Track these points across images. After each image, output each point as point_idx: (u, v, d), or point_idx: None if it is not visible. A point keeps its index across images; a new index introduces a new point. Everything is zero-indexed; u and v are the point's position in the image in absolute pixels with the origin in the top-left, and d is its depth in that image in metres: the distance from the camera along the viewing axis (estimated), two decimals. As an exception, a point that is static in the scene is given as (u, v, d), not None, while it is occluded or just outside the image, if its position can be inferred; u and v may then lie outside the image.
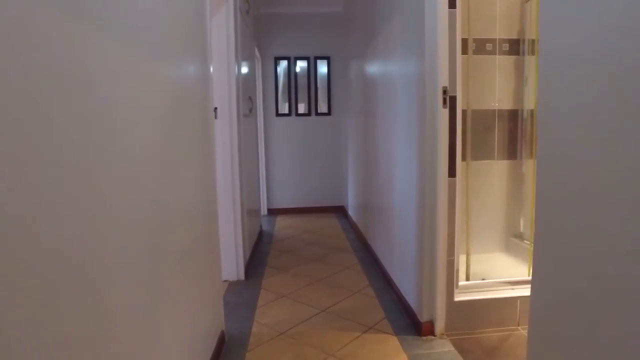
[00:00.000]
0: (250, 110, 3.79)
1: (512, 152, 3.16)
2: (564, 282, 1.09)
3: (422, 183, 2.19)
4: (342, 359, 2.01)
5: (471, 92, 2.86)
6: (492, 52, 3.09)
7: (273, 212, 5.45)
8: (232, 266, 3.09)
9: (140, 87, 1.16)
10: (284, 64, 5.33)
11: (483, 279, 2.39)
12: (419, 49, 2.19)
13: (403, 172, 2.56)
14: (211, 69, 2.13)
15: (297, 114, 5.38)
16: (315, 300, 2.71)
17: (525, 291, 2.26)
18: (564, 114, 1.09)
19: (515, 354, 2.00)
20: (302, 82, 5.36)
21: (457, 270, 2.21)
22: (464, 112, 2.23)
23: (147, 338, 1.15)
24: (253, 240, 3.81)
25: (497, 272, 2.71)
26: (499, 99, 3.11)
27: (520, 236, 3.17)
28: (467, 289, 2.24)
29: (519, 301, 2.23)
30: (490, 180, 3.15)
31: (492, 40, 3.08)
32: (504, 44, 3.10)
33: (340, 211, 5.48)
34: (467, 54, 2.70)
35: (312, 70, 5.34)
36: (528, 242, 3.05)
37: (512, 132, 3.15)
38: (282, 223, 4.99)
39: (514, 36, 3.10)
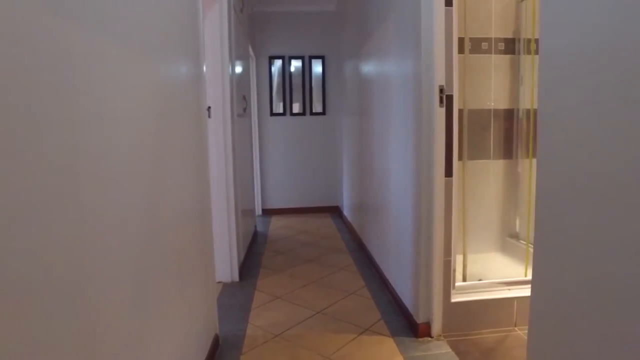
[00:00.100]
0: (245, 109, 3.75)
1: (507, 151, 3.15)
2: (565, 282, 1.08)
3: (419, 183, 2.16)
4: (338, 362, 1.99)
5: (467, 92, 2.85)
6: (488, 52, 3.08)
7: (268, 212, 5.42)
8: (226, 267, 3.05)
9: (130, 84, 1.12)
10: (278, 63, 5.29)
11: (480, 280, 2.38)
12: (415, 47, 2.16)
13: (399, 171, 2.54)
14: (204, 68, 2.09)
15: (292, 114, 5.35)
16: (311, 302, 2.68)
17: (522, 292, 2.24)
18: (565, 112, 1.07)
19: (512, 356, 1.98)
20: (297, 82, 5.32)
21: (454, 271, 2.19)
22: (460, 111, 2.21)
23: (137, 342, 1.12)
24: (247, 241, 3.77)
25: (493, 272, 2.70)
26: (495, 98, 3.10)
27: (516, 236, 3.16)
28: (463, 290, 2.22)
29: (515, 302, 2.22)
30: (486, 180, 3.14)
31: (488, 40, 3.06)
32: (499, 43, 3.09)
33: (335, 211, 5.46)
34: (463, 53, 2.68)
35: (306, 69, 5.31)
36: (524, 242, 3.04)
37: (508, 132, 3.14)
38: (276, 223, 4.95)
39: (510, 35, 3.09)
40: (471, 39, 3.00)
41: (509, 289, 2.27)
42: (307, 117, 5.37)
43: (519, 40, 3.06)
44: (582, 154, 1.01)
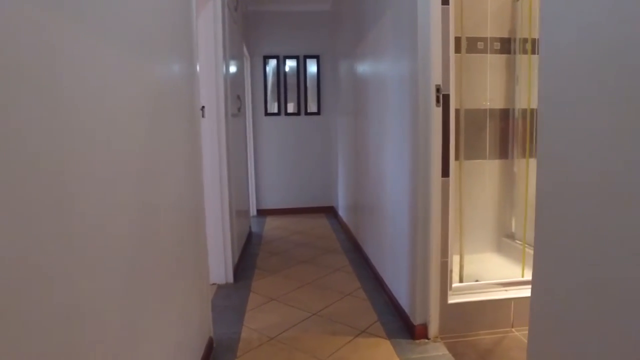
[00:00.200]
0: (239, 109, 3.72)
1: (503, 151, 3.14)
2: (565, 283, 1.06)
3: (415, 183, 2.14)
4: (334, 364, 1.97)
5: (463, 91, 2.83)
6: (484, 51, 3.06)
7: (262, 212, 5.38)
8: (220, 269, 3.02)
9: (120, 82, 1.09)
10: (273, 62, 5.26)
11: (476, 281, 2.36)
12: (411, 46, 2.14)
13: (395, 172, 2.52)
14: (198, 66, 2.06)
15: (287, 114, 5.32)
16: (306, 303, 2.65)
17: (519, 292, 2.23)
18: (565, 112, 1.06)
19: (510, 357, 1.96)
20: (292, 81, 5.29)
21: (451, 271, 2.17)
22: (456, 111, 2.19)
23: (128, 346, 1.09)
24: (242, 242, 3.74)
25: (489, 273, 2.68)
26: (491, 98, 3.09)
27: (512, 236, 3.15)
28: (460, 291, 2.21)
29: (513, 303, 2.21)
30: (481, 180, 3.13)
31: (484, 39, 3.05)
32: (495, 43, 3.08)
33: (330, 211, 5.43)
34: (459, 52, 2.66)
35: (301, 69, 5.28)
36: (520, 242, 3.03)
37: (504, 132, 3.13)
38: (271, 224, 4.92)
39: (505, 35, 3.08)
40: (467, 39, 2.98)
41: (506, 290, 2.26)
42: (302, 117, 5.34)
43: (515, 40, 3.05)
44: (582, 154, 0.99)
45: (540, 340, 1.18)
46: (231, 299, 2.77)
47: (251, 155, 5.13)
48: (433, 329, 2.13)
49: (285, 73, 5.27)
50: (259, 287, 2.96)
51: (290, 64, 5.28)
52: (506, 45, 3.08)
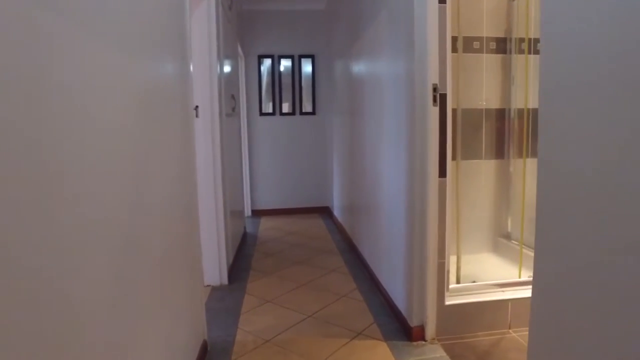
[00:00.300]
0: (233, 109, 3.68)
1: (499, 151, 3.13)
2: (566, 283, 1.06)
3: (412, 183, 2.12)
4: (331, 367, 1.94)
5: (460, 91, 2.81)
6: (480, 51, 3.05)
7: (257, 213, 5.35)
8: (214, 270, 2.98)
9: (110, 79, 1.06)
10: (267, 62, 5.22)
11: (473, 282, 2.34)
12: (407, 45, 2.12)
13: (391, 172, 2.50)
14: (191, 65, 2.03)
15: (282, 113, 5.29)
16: (302, 305, 2.62)
17: (516, 293, 2.22)
18: (566, 111, 1.04)
19: (508, 359, 1.95)
20: (287, 81, 5.26)
21: (448, 272, 2.15)
22: (453, 110, 2.18)
23: (118, 350, 1.05)
24: (237, 243, 3.70)
25: (486, 273, 2.67)
26: (486, 97, 3.07)
27: (507, 236, 3.14)
28: (457, 292, 2.19)
29: (510, 304, 2.19)
30: (477, 180, 3.11)
31: (479, 39, 3.04)
32: (491, 43, 3.07)
33: (325, 212, 5.41)
34: (456, 52, 2.64)
35: (296, 68, 5.25)
36: (516, 242, 3.02)
37: (500, 132, 3.12)
38: (266, 224, 4.88)
39: (501, 35, 3.07)
40: (463, 38, 2.97)
41: (503, 291, 2.24)
42: (297, 116, 5.31)
43: (511, 39, 3.04)
44: (584, 153, 0.98)
45: (540, 342, 1.16)
46: (226, 301, 2.73)
47: (246, 155, 5.10)
48: (430, 330, 2.11)
49: (280, 73, 5.24)
50: (253, 289, 2.92)
51: (285, 64, 5.25)
52: (502, 45, 3.07)
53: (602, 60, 0.92)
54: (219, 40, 2.91)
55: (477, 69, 3.04)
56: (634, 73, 0.83)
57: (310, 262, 3.48)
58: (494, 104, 3.09)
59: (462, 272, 2.46)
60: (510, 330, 2.18)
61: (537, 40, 2.92)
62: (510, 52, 3.06)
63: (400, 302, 2.34)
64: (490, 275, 2.61)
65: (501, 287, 2.25)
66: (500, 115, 3.11)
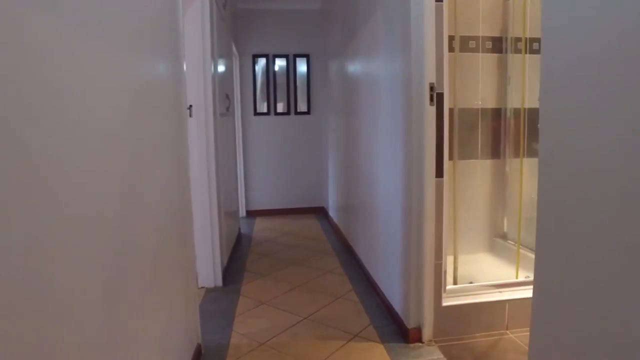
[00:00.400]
0: (228, 108, 3.65)
1: (495, 151, 3.12)
2: (567, 284, 1.04)
3: (409, 183, 2.10)
4: (327, 370, 1.91)
5: (457, 90, 2.80)
6: (475, 50, 3.04)
7: (252, 213, 5.31)
8: (209, 272, 2.94)
9: (99, 77, 1.03)
10: (262, 61, 5.19)
11: (470, 282, 2.32)
12: (404, 44, 2.10)
13: (388, 172, 2.47)
14: (184, 64, 1.99)
15: (276, 113, 5.25)
16: (297, 307, 2.59)
17: (513, 294, 2.20)
18: (568, 111, 1.03)
19: (505, 361, 1.93)
20: (281, 81, 5.23)
21: (445, 273, 2.13)
22: (450, 110, 2.16)
23: (109, 356, 1.02)
24: (231, 244, 3.66)
25: (483, 274, 2.65)
26: (482, 97, 3.06)
27: (504, 236, 3.13)
28: (455, 293, 2.17)
29: (507, 305, 2.17)
30: (473, 180, 3.10)
31: (475, 38, 3.02)
32: (486, 42, 3.05)
33: (320, 212, 5.38)
34: (453, 51, 2.62)
35: (291, 68, 5.21)
36: (512, 242, 3.01)
37: (496, 131, 3.10)
38: (261, 225, 4.85)
39: (497, 34, 3.05)
40: (459, 37, 2.95)
41: (500, 292, 2.22)
42: (292, 116, 5.28)
43: (507, 39, 3.03)
44: (586, 153, 0.97)
45: (541, 343, 1.15)
46: (220, 303, 2.70)
47: (240, 155, 5.06)
48: (427, 332, 2.09)
49: (274, 72, 5.20)
50: (248, 291, 2.89)
51: (280, 63, 5.22)
52: (498, 44, 3.05)
53: (605, 57, 0.90)
54: (212, 39, 2.88)
55: (473, 68, 3.03)
56: (637, 70, 0.81)
57: (305, 263, 3.45)
58: (490, 103, 3.08)
59: (459, 273, 2.45)
60: (507, 331, 2.16)
61: (533, 40, 2.91)
62: (506, 52, 3.04)
63: (396, 304, 2.32)
64: (487, 275, 2.60)
65: (498, 288, 2.23)
66: (496, 114, 3.10)
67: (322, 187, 5.33)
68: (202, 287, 2.92)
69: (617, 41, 0.86)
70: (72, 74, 0.88)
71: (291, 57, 5.21)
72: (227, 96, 3.63)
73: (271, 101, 5.22)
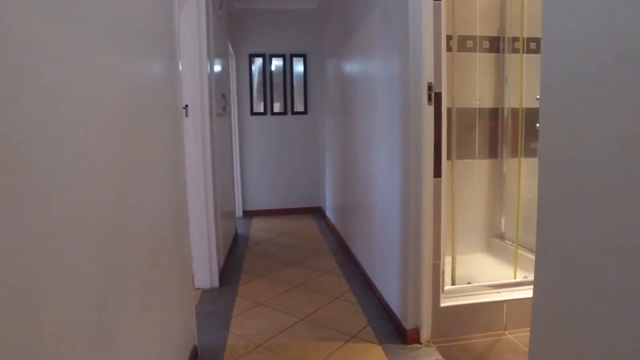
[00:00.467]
0: (224, 108, 3.63)
1: (493, 151, 3.11)
2: (568, 284, 1.04)
3: (407, 183, 2.09)
4: (324, 372, 1.90)
5: (455, 90, 2.79)
6: (473, 50, 3.03)
7: (248, 214, 5.29)
8: (205, 272, 2.92)
9: (94, 77, 1.01)
10: (259, 61, 5.17)
11: (469, 283, 2.31)
12: (401, 43, 2.09)
13: (385, 172, 2.46)
14: (180, 63, 1.97)
15: (273, 113, 5.23)
16: (294, 308, 2.57)
17: (511, 294, 2.20)
18: (568, 111, 1.01)
19: (504, 361, 1.92)
20: (278, 80, 5.21)
21: (443, 273, 2.12)
22: (448, 110, 2.14)
23: (100, 358, 1.00)
24: (228, 244, 3.64)
25: (481, 274, 2.64)
26: (480, 97, 3.05)
27: (501, 236, 3.12)
28: (453, 294, 2.16)
29: (505, 305, 2.16)
30: (471, 180, 3.09)
31: (473, 37, 3.02)
32: (484, 42, 3.05)
33: (317, 212, 5.36)
34: (451, 51, 2.61)
35: (287, 68, 5.20)
36: (509, 242, 3.00)
37: (493, 131, 3.10)
38: (258, 225, 4.83)
39: (494, 33, 3.05)
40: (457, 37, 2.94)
41: (498, 292, 2.22)
42: (289, 116, 5.26)
43: (504, 38, 3.02)
44: (587, 153, 0.96)
45: (542, 343, 1.14)
46: (216, 304, 2.67)
47: (237, 155, 5.03)
48: (425, 333, 2.08)
49: (271, 72, 5.18)
50: (245, 292, 2.87)
51: (277, 63, 5.20)
52: (495, 44, 3.05)
53: (606, 56, 0.89)
54: (209, 38, 2.85)
55: (471, 68, 3.02)
56: (638, 70, 0.80)
57: (302, 264, 3.43)
58: (487, 103, 3.07)
59: (457, 273, 2.44)
60: (505, 332, 2.15)
61: (530, 40, 2.91)
62: (504, 52, 3.04)
63: (394, 304, 2.31)
64: (485, 276, 2.59)
65: (496, 289, 2.23)
66: (494, 114, 3.09)
67: (319, 187, 5.31)
68: (198, 288, 2.89)
69: (619, 40, 0.85)
70: (65, 74, 0.86)
71: (288, 57, 5.19)
72: (223, 96, 3.61)
73: (268, 101, 5.20)
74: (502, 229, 3.12)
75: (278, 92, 5.22)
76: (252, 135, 5.20)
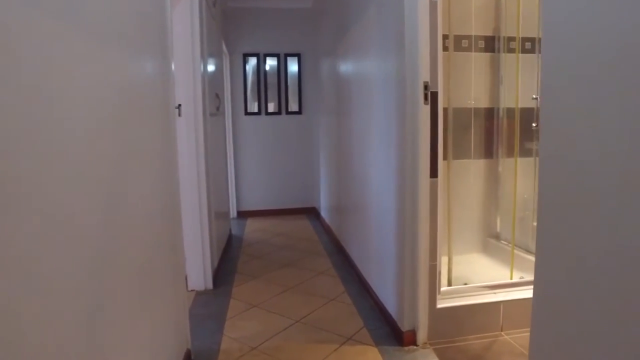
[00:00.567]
0: (218, 108, 3.59)
1: (488, 151, 3.10)
2: (568, 284, 1.02)
3: (402, 184, 2.07)
4: (320, 375, 1.87)
5: (450, 90, 2.77)
6: (468, 49, 3.02)
7: (243, 214, 5.25)
8: (199, 274, 2.89)
9: (84, 76, 0.97)
10: (253, 60, 5.13)
11: (465, 284, 2.30)
12: (397, 42, 2.07)
13: (381, 172, 2.44)
14: (173, 63, 1.94)
15: (267, 113, 5.20)
16: (289, 310, 2.55)
17: (508, 295, 2.18)
18: (569, 110, 1.00)
19: (501, 363, 1.91)
20: (272, 80, 5.18)
21: (439, 274, 2.10)
22: (444, 109, 2.13)
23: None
24: (222, 245, 3.61)
25: (477, 275, 2.63)
26: (475, 97, 3.04)
27: (497, 236, 3.12)
28: (449, 295, 2.14)
29: (502, 306, 2.15)
30: (466, 180, 3.08)
31: (468, 37, 3.01)
32: (479, 41, 3.04)
33: (312, 213, 5.34)
34: (447, 50, 2.60)
35: (282, 67, 5.16)
36: (505, 243, 3.00)
37: (488, 131, 3.09)
38: (252, 226, 4.79)
39: (489, 33, 3.04)
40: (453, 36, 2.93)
41: (495, 293, 2.20)
42: (283, 116, 5.23)
43: (499, 38, 3.02)
44: (587, 151, 0.94)
45: (542, 344, 1.12)
46: (210, 306, 2.64)
47: (231, 155, 5.00)
48: (422, 334, 2.06)
49: (265, 71, 5.15)
50: (239, 293, 2.84)
51: (271, 62, 5.16)
52: (490, 44, 3.04)
53: (606, 55, 0.87)
54: (202, 37, 2.82)
55: (466, 67, 3.01)
56: (638, 69, 0.79)
57: (297, 265, 3.41)
58: (483, 103, 3.06)
59: (453, 274, 2.42)
60: (502, 333, 2.14)
61: (525, 39, 2.90)
62: (499, 51, 3.03)
63: (390, 306, 2.28)
64: (481, 276, 2.58)
65: (493, 289, 2.21)
66: (489, 114, 3.08)
67: (313, 188, 5.29)
68: (191, 290, 2.86)
69: (619, 39, 0.84)
70: (55, 72, 0.83)
71: (282, 56, 5.16)
72: (217, 95, 3.58)
73: (262, 101, 5.17)
74: (498, 229, 3.12)
75: (272, 92, 5.19)
76: (247, 135, 5.16)
